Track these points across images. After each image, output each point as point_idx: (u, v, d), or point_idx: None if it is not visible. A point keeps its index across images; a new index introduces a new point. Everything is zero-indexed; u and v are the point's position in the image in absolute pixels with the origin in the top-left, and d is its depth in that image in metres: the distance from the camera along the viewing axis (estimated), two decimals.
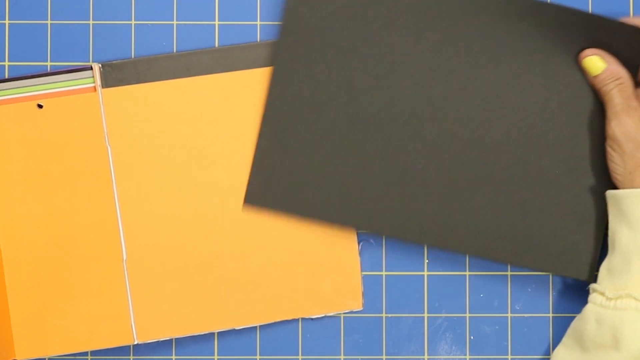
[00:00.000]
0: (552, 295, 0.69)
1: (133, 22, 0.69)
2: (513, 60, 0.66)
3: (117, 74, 0.67)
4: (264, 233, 0.67)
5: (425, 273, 0.69)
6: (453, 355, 0.69)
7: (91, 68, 0.67)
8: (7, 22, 0.69)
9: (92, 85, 0.67)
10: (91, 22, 0.69)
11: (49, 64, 0.68)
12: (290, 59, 0.66)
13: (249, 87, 0.67)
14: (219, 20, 0.69)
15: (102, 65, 0.67)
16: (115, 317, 0.67)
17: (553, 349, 0.68)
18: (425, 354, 0.69)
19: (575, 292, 0.68)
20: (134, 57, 0.68)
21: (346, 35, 0.66)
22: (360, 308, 0.68)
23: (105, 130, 0.67)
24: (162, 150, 0.67)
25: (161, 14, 0.69)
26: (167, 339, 0.67)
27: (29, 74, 0.67)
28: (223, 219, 0.67)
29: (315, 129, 0.66)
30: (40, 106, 0.67)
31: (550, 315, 0.69)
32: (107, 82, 0.67)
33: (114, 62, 0.67)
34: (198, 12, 0.69)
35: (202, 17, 0.69)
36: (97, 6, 0.69)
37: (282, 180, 0.66)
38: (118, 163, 0.67)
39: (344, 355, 0.69)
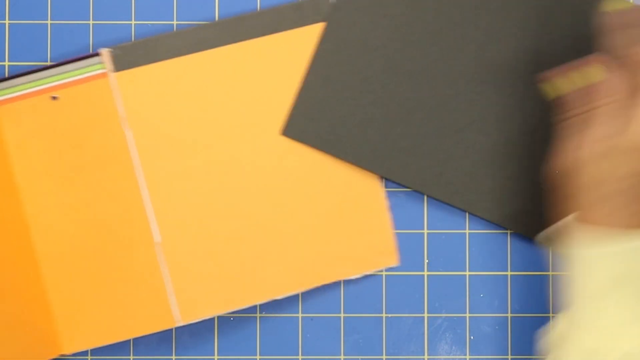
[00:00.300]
0: (552, 295, 0.69)
1: (133, 22, 0.69)
2: (565, 39, 0.67)
3: (127, 56, 0.67)
4: (294, 200, 0.67)
5: (425, 273, 0.69)
6: (453, 355, 0.69)
7: (100, 54, 0.67)
8: (7, 22, 0.69)
9: (104, 70, 0.67)
10: (91, 22, 0.69)
11: (49, 64, 0.68)
12: (351, 2, 0.67)
13: (259, 56, 0.67)
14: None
15: (111, 49, 0.67)
16: (155, 301, 0.66)
17: None
18: (425, 354, 0.69)
19: None
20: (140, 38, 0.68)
21: None
22: (396, 264, 0.68)
23: (123, 114, 0.67)
24: (183, 127, 0.67)
25: (161, 14, 0.69)
26: (210, 317, 0.67)
27: (39, 67, 0.67)
28: (252, 191, 0.67)
29: (363, 73, 0.67)
30: (54, 98, 0.67)
31: (551, 315, 0.69)
32: (118, 66, 0.67)
33: (122, 44, 0.67)
34: (198, 12, 0.69)
35: (202, 17, 0.69)
36: (97, 6, 0.69)
37: (322, 118, 0.67)
38: (140, 146, 0.67)
39: (344, 355, 0.69)
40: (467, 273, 0.69)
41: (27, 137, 0.67)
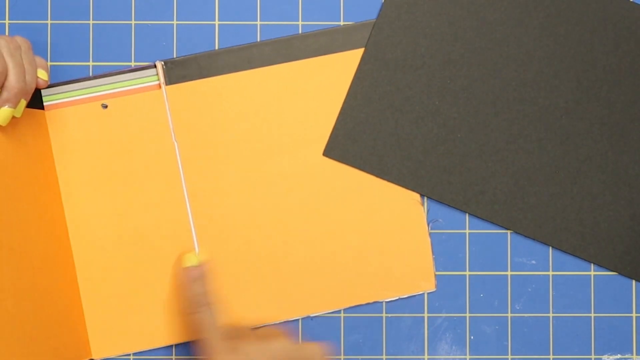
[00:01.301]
0: (552, 295, 0.69)
1: (133, 22, 0.69)
2: (606, 58, 0.67)
3: (180, 70, 0.68)
4: (333, 220, 0.68)
5: None
6: (453, 355, 0.69)
7: (154, 66, 0.67)
8: (7, 22, 0.69)
9: (156, 82, 0.68)
10: (91, 22, 0.69)
11: (48, 63, 0.68)
12: (392, 20, 0.68)
13: (311, 76, 0.68)
14: (219, 20, 0.69)
15: (164, 62, 0.67)
16: None
17: (553, 349, 0.68)
18: (425, 354, 0.69)
19: (576, 292, 0.68)
20: (189, 54, 0.68)
21: (451, 5, 0.68)
22: (434, 289, 0.68)
23: (171, 127, 0.67)
24: (229, 143, 0.68)
25: (161, 14, 0.69)
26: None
27: (93, 75, 0.68)
28: (293, 209, 0.68)
29: (404, 93, 0.68)
30: (104, 106, 0.67)
31: (551, 315, 0.69)
32: (170, 79, 0.67)
33: (176, 59, 0.68)
34: (198, 12, 0.69)
35: (202, 17, 0.69)
36: (97, 6, 0.69)
37: (363, 138, 0.68)
38: (186, 158, 0.67)
39: (344, 355, 0.69)
40: (467, 273, 0.69)
41: (74, 143, 0.67)
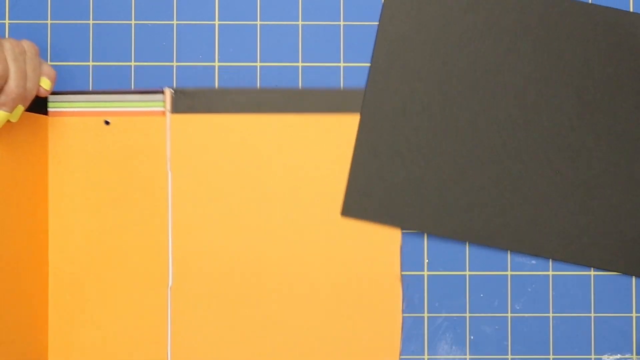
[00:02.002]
0: (552, 295, 0.69)
1: (133, 22, 0.69)
2: (604, 68, 0.67)
3: (188, 100, 0.67)
4: (312, 279, 0.67)
5: (426, 273, 0.69)
6: (453, 355, 0.69)
7: (163, 92, 0.67)
8: (7, 22, 0.69)
9: (162, 109, 0.67)
10: (91, 22, 0.69)
11: (48, 63, 0.68)
12: (385, 68, 0.67)
13: (319, 131, 0.67)
14: (218, 21, 0.69)
15: (174, 90, 0.67)
16: (152, 341, 0.67)
17: (553, 349, 0.68)
18: (425, 354, 0.69)
19: (576, 292, 0.68)
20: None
21: (441, 44, 0.67)
22: None
23: (169, 156, 0.67)
24: (222, 182, 0.67)
25: (161, 14, 0.69)
26: None
27: (102, 90, 0.68)
28: (272, 259, 0.67)
29: (409, 139, 0.67)
30: (107, 123, 0.67)
31: (550, 315, 0.69)
32: (177, 108, 0.67)
33: (186, 89, 0.67)
34: (198, 12, 0.69)
35: (202, 17, 0.69)
36: (97, 6, 0.69)
37: (378, 191, 0.67)
38: (176, 189, 0.67)
39: None
40: (467, 273, 0.69)
41: (71, 154, 0.67)
